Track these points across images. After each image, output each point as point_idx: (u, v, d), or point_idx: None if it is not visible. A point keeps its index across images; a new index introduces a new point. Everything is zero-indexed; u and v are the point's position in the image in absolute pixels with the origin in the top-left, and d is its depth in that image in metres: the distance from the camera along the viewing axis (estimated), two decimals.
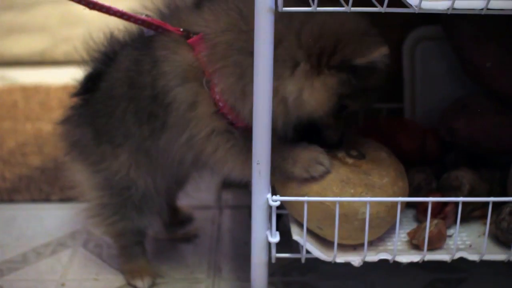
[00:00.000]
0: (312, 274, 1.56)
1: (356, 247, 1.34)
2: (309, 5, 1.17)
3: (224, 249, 1.68)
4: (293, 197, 1.27)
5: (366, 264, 1.46)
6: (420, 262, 1.31)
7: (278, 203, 1.25)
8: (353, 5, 1.15)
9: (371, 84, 1.28)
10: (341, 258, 1.30)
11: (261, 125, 1.21)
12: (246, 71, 1.25)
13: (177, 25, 1.34)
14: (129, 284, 1.54)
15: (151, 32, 1.36)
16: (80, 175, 1.53)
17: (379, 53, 1.23)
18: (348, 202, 1.26)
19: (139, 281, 1.53)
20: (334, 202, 1.24)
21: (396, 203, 1.27)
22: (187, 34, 1.32)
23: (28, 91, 2.68)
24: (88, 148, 1.48)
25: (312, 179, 1.28)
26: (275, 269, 1.45)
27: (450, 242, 1.37)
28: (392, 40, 1.63)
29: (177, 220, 1.75)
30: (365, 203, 1.25)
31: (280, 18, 1.19)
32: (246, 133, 1.29)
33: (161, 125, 1.36)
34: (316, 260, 1.51)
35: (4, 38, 3.33)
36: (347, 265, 1.49)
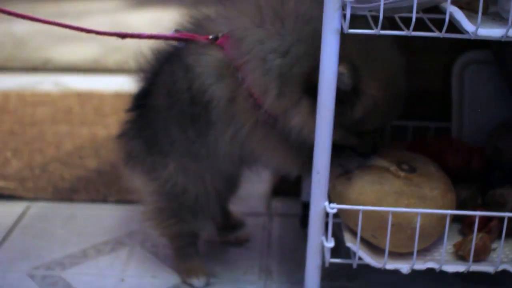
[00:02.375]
0: (358, 281, 1.64)
1: (404, 255, 1.41)
2: (371, 28, 1.25)
3: (274, 254, 1.76)
4: (350, 206, 1.35)
5: (410, 275, 1.54)
6: (465, 272, 1.38)
7: (335, 210, 1.33)
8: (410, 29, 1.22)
9: (365, 109, 1.32)
10: (391, 265, 1.38)
11: (322, 138, 1.29)
12: (271, 70, 1.33)
13: (203, 34, 1.43)
14: (185, 282, 1.62)
15: (183, 44, 1.46)
16: (137, 182, 1.62)
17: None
18: (403, 212, 1.33)
19: (195, 280, 1.61)
20: (389, 212, 1.32)
21: (445, 214, 1.35)
22: (215, 38, 1.40)
23: (83, 97, 2.79)
24: (140, 159, 1.58)
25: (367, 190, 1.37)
26: (324, 274, 1.50)
27: (493, 255, 1.44)
28: (441, 62, 1.74)
29: (229, 224, 1.84)
30: (417, 213, 1.33)
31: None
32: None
33: (206, 124, 1.45)
34: (363, 268, 1.59)
35: (57, 46, 3.44)
36: (393, 274, 1.57)
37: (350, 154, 1.43)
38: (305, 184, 1.80)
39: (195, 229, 1.63)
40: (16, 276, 1.64)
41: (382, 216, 1.34)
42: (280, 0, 1.37)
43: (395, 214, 1.33)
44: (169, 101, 1.49)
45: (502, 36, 1.21)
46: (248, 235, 1.83)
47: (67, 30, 3.41)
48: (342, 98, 1.29)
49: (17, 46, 3.45)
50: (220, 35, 1.40)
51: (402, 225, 1.34)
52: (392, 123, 1.56)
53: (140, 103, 1.58)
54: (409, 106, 1.77)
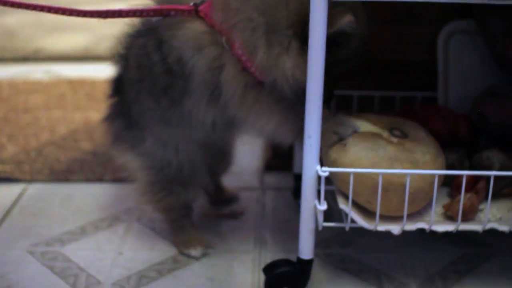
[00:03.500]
0: (351, 247, 1.68)
1: (395, 218, 1.45)
2: None
3: (268, 225, 1.80)
4: (341, 169, 1.39)
5: (401, 239, 1.60)
6: (454, 231, 1.42)
7: (327, 173, 1.36)
8: None
9: (350, 49, 1.40)
10: (382, 227, 1.42)
11: (313, 101, 1.32)
12: (257, 27, 1.36)
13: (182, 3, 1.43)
14: (182, 253, 1.66)
15: (157, 20, 1.45)
16: (124, 160, 1.66)
17: (345, 21, 1.32)
18: (398, 176, 1.37)
19: (192, 250, 1.65)
20: (385, 178, 1.36)
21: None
22: (196, 6, 1.41)
23: (75, 84, 2.82)
24: (123, 137, 1.62)
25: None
26: (318, 242, 1.54)
27: (481, 216, 1.48)
28: (427, 33, 1.78)
29: (223, 198, 1.88)
30: (413, 178, 1.37)
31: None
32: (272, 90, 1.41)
33: (181, 93, 1.47)
34: (355, 234, 1.65)
35: (48, 36, 3.48)
36: (384, 239, 1.63)
37: (343, 121, 1.46)
38: (297, 156, 1.85)
39: (186, 200, 1.67)
40: (16, 253, 1.67)
41: (376, 181, 1.37)
42: None
43: (389, 178, 1.37)
44: (140, 73, 1.51)
45: None
46: (242, 208, 1.87)
47: (57, 21, 3.43)
48: (337, 39, 1.35)
49: (8, 37, 3.48)
50: (199, 2, 1.41)
51: (396, 189, 1.38)
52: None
53: (117, 86, 1.62)
54: (396, 77, 1.83)
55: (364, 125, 1.49)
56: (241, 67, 1.40)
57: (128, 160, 1.65)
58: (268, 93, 1.42)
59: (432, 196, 1.43)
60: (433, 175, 1.40)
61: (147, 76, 1.51)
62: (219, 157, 1.78)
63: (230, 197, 1.90)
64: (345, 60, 1.42)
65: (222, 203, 1.88)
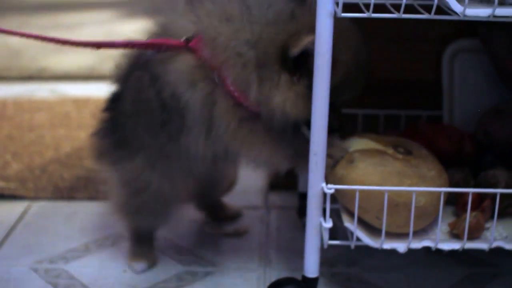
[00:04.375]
0: (357, 267, 1.67)
1: (401, 236, 1.44)
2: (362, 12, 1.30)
3: (273, 244, 1.79)
4: (346, 186, 1.39)
5: (407, 259, 1.59)
6: (460, 250, 1.41)
7: (332, 190, 1.36)
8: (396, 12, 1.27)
9: (339, 75, 1.37)
10: (388, 245, 1.41)
11: (319, 120, 1.32)
12: (248, 62, 1.37)
13: (172, 38, 1.42)
14: (128, 264, 1.68)
15: (151, 54, 1.44)
16: (104, 174, 1.66)
17: (307, 41, 1.32)
18: (407, 192, 1.36)
19: (135, 264, 1.67)
20: (395, 193, 1.36)
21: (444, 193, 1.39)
22: (187, 41, 1.40)
23: (79, 103, 2.83)
24: (108, 153, 1.60)
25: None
26: (323, 261, 1.52)
27: (487, 234, 1.47)
28: (432, 52, 1.78)
29: (225, 216, 1.88)
30: (422, 192, 1.38)
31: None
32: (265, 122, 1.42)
33: (177, 129, 1.46)
34: (361, 254, 1.64)
35: (53, 55, 3.49)
36: (389, 259, 1.63)
37: (333, 143, 1.46)
38: (301, 176, 1.84)
39: (154, 226, 1.68)
40: (20, 270, 1.67)
41: (388, 196, 1.37)
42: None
43: (399, 194, 1.36)
44: (136, 107, 1.50)
45: (489, 16, 1.25)
46: (246, 227, 1.87)
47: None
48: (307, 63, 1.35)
49: (13, 56, 3.50)
50: (190, 36, 1.41)
51: (407, 204, 1.38)
52: (355, 97, 1.54)
53: (112, 106, 1.60)
54: (401, 95, 1.83)
55: (367, 143, 1.49)
56: (233, 102, 1.40)
57: (107, 174, 1.64)
58: (262, 125, 1.42)
59: (439, 211, 1.42)
60: (441, 186, 1.41)
61: (143, 110, 1.49)
62: (217, 180, 1.79)
63: (233, 215, 1.90)
64: (339, 87, 1.39)
65: (225, 220, 1.88)
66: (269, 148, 1.46)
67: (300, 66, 1.36)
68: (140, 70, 1.48)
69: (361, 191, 1.37)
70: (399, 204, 1.37)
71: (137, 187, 1.57)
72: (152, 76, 1.44)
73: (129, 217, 1.66)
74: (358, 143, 1.49)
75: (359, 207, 1.39)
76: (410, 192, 1.37)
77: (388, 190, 1.36)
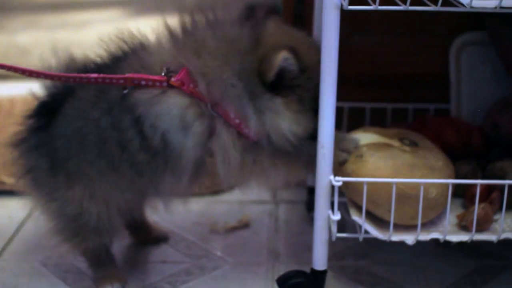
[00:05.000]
0: (365, 260, 1.68)
1: (409, 228, 1.44)
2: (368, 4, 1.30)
3: (281, 238, 1.80)
4: (354, 178, 1.39)
5: (415, 252, 1.59)
6: (469, 241, 1.41)
7: (340, 183, 1.36)
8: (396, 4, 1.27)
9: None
10: (396, 237, 1.41)
11: (326, 112, 1.33)
12: (241, 94, 1.35)
13: (140, 65, 1.37)
14: None
15: (129, 89, 1.36)
16: (36, 201, 1.56)
17: (279, 59, 1.32)
18: (419, 184, 1.36)
19: (108, 286, 1.56)
20: (407, 185, 1.36)
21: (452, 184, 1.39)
22: (169, 76, 1.34)
23: None
24: (42, 178, 1.49)
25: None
26: (331, 254, 1.54)
27: (496, 226, 1.47)
28: (439, 46, 1.78)
29: (151, 237, 1.78)
30: (433, 183, 1.38)
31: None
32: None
33: (158, 171, 1.40)
34: (369, 247, 1.64)
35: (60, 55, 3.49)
36: (398, 252, 1.62)
37: (344, 137, 1.46)
38: None
39: (101, 243, 1.55)
40: (30, 265, 1.68)
41: (401, 189, 1.37)
42: (211, 28, 1.39)
43: (412, 186, 1.37)
44: (104, 146, 1.40)
45: (496, 7, 1.25)
46: (248, 217, 1.86)
47: (69, 39, 3.45)
48: (299, 82, 1.36)
49: (22, 54, 3.50)
50: (170, 71, 1.35)
51: (418, 196, 1.38)
52: None
53: (47, 113, 1.47)
54: (409, 89, 1.83)
55: (372, 137, 1.49)
56: (235, 132, 1.37)
57: (39, 202, 1.55)
58: (266, 150, 1.40)
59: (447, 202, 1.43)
60: (449, 177, 1.42)
61: (112, 149, 1.40)
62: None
63: (158, 237, 1.79)
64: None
65: (150, 242, 1.78)
66: (283, 170, 1.43)
67: (285, 84, 1.35)
68: (110, 106, 1.39)
69: (373, 186, 1.37)
70: (411, 196, 1.38)
71: (76, 213, 1.48)
72: (134, 118, 1.36)
73: (74, 241, 1.54)
74: (363, 137, 1.50)
75: (371, 202, 1.39)
76: (422, 184, 1.37)
77: (397, 182, 1.36)
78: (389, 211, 1.40)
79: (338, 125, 1.40)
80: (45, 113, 1.48)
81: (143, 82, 1.35)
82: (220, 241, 1.77)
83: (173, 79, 1.34)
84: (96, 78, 1.36)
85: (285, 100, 1.36)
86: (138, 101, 1.35)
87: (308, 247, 1.51)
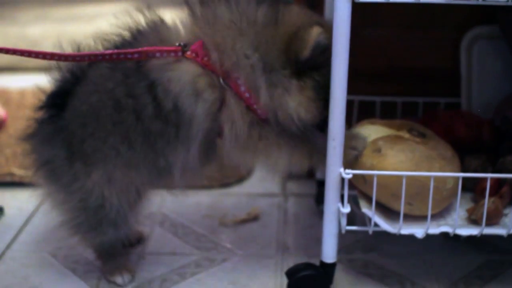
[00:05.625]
0: (374, 253, 1.68)
1: (418, 221, 1.44)
2: None
3: (290, 230, 1.80)
4: (365, 171, 1.39)
5: (424, 245, 1.59)
6: (478, 235, 1.41)
7: (350, 175, 1.36)
8: None
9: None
10: (406, 230, 1.41)
11: (337, 105, 1.32)
12: (255, 65, 1.35)
13: (161, 41, 1.38)
14: (108, 281, 1.58)
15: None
16: (55, 196, 1.53)
17: (314, 34, 1.32)
18: (439, 175, 1.38)
19: (118, 277, 1.56)
20: (428, 177, 1.36)
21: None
22: (184, 47, 1.36)
23: None
24: (60, 168, 1.47)
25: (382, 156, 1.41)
26: (340, 247, 1.54)
27: (506, 220, 1.47)
28: (450, 39, 1.78)
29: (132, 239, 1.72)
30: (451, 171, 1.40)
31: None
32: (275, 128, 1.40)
33: (169, 142, 1.40)
34: (378, 240, 1.64)
35: (70, 47, 3.51)
36: (407, 245, 1.62)
37: (354, 135, 1.46)
38: None
39: (117, 238, 1.53)
40: (39, 256, 1.69)
41: (422, 182, 1.38)
42: (228, 2, 1.39)
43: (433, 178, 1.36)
44: (118, 116, 1.40)
45: (508, 0, 1.25)
46: (257, 209, 1.87)
47: (79, 32, 3.45)
48: (321, 62, 1.34)
49: (32, 47, 3.49)
50: (185, 42, 1.36)
51: (439, 187, 1.39)
52: None
53: (59, 102, 1.47)
54: (419, 83, 1.83)
55: (381, 129, 1.49)
56: (244, 105, 1.38)
57: (58, 197, 1.52)
58: (272, 129, 1.40)
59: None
60: (458, 167, 1.43)
61: (127, 119, 1.40)
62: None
63: (139, 237, 1.76)
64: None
65: (133, 244, 1.73)
66: (286, 151, 1.43)
67: (318, 60, 1.35)
68: (123, 74, 1.40)
69: (394, 179, 1.38)
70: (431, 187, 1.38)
71: (95, 205, 1.48)
72: (149, 83, 1.37)
73: (88, 236, 1.54)
74: (372, 130, 1.49)
75: (390, 195, 1.40)
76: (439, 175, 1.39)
77: (412, 175, 1.36)
78: (409, 203, 1.41)
79: (348, 119, 1.39)
80: (56, 102, 1.47)
81: (157, 54, 1.36)
82: (229, 234, 1.78)
83: (188, 52, 1.36)
84: (110, 55, 1.37)
85: (301, 84, 1.36)
86: (152, 67, 1.36)
87: (317, 240, 1.51)
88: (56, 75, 1.49)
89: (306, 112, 1.37)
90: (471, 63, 1.79)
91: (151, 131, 1.40)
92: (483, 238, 1.43)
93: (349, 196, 1.40)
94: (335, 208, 1.40)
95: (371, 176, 1.39)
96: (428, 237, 1.42)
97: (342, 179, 1.37)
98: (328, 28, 1.32)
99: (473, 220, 1.46)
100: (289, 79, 1.36)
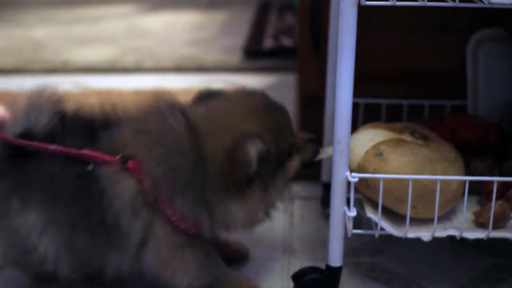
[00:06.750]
0: (380, 256, 1.67)
1: (425, 224, 1.44)
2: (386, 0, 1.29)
3: (297, 233, 1.79)
4: (371, 174, 1.39)
5: (431, 249, 1.59)
6: (485, 239, 1.41)
7: (356, 179, 1.36)
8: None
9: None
10: (412, 234, 1.41)
11: (343, 108, 1.32)
12: (201, 194, 1.34)
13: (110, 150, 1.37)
14: None
15: (91, 167, 1.36)
16: None
17: (250, 150, 1.32)
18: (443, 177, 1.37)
19: None
20: (431, 180, 1.37)
21: None
22: (125, 160, 1.35)
23: (102, 95, 2.83)
24: None
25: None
26: (346, 251, 1.52)
27: None
28: (456, 42, 1.77)
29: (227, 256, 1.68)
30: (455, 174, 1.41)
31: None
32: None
33: (106, 241, 1.38)
34: (384, 243, 1.64)
35: (76, 48, 3.52)
36: (414, 248, 1.62)
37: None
38: (325, 166, 1.84)
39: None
40: None
41: (425, 184, 1.38)
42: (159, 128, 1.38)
43: (435, 181, 1.36)
44: (72, 196, 1.37)
45: None
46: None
47: (84, 34, 3.42)
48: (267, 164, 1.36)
49: (37, 49, 3.52)
50: (126, 155, 1.36)
51: (443, 190, 1.38)
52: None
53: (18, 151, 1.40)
54: (425, 85, 1.82)
55: (383, 133, 1.49)
56: (171, 227, 1.37)
57: None
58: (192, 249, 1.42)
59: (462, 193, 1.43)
60: (462, 168, 1.43)
61: (79, 208, 1.38)
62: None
63: (243, 254, 1.72)
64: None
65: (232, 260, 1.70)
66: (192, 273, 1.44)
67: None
68: (77, 169, 1.37)
69: (397, 183, 1.38)
70: (435, 190, 1.37)
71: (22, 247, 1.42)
72: (99, 189, 1.35)
73: None
74: (375, 134, 1.50)
75: (394, 199, 1.39)
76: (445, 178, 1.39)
77: (417, 178, 1.36)
78: (414, 206, 1.40)
79: (354, 122, 1.40)
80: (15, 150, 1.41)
81: (98, 161, 1.36)
82: (235, 237, 1.77)
83: (128, 164, 1.35)
84: (53, 150, 1.37)
85: (243, 198, 1.37)
86: (103, 174, 1.35)
87: (323, 243, 1.50)
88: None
89: (254, 216, 1.42)
90: (477, 66, 1.78)
91: (94, 231, 1.38)
92: (490, 241, 1.42)
93: (355, 200, 1.40)
94: (341, 212, 1.40)
95: (374, 180, 1.39)
96: (434, 240, 1.42)
97: (348, 183, 1.37)
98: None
99: (480, 224, 1.46)
100: (244, 192, 1.36)
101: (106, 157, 1.36)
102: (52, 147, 1.37)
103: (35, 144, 1.38)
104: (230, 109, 1.41)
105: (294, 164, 1.44)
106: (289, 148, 1.42)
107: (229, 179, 1.34)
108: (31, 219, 1.38)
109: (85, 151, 1.36)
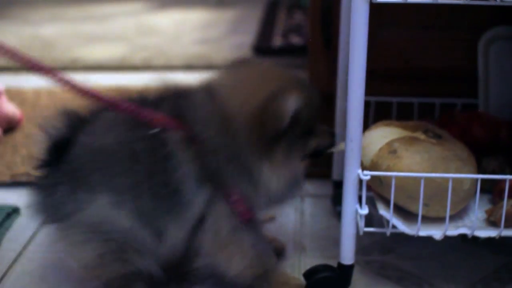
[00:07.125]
0: (391, 255, 1.67)
1: (436, 223, 1.44)
2: None
3: (307, 232, 1.79)
4: (383, 172, 1.39)
5: (442, 247, 1.58)
6: (497, 237, 1.41)
7: (368, 177, 1.36)
8: None
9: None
10: (424, 232, 1.41)
11: (354, 106, 1.32)
12: (243, 172, 1.36)
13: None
14: None
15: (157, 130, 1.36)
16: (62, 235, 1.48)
17: (289, 103, 1.33)
18: (455, 176, 1.37)
19: None
20: (444, 178, 1.37)
21: None
22: (193, 135, 1.35)
23: (112, 93, 2.83)
24: (62, 204, 1.42)
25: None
26: (358, 249, 1.52)
27: None
28: (467, 40, 1.77)
29: None
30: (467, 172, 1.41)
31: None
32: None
33: (167, 208, 1.38)
34: (396, 242, 1.64)
35: (85, 46, 3.52)
36: (425, 247, 1.62)
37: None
38: (336, 164, 1.84)
39: (146, 270, 1.44)
40: (56, 257, 1.68)
41: (438, 183, 1.38)
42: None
43: (448, 179, 1.36)
44: (130, 162, 1.37)
45: None
46: (274, 211, 1.84)
47: (93, 32, 3.44)
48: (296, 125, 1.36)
49: (47, 47, 3.53)
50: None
51: (456, 189, 1.38)
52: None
53: (58, 156, 1.42)
54: (436, 83, 1.82)
55: (395, 131, 1.49)
56: (230, 208, 1.37)
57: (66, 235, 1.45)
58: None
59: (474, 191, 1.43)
60: (475, 168, 1.43)
61: (139, 172, 1.37)
62: None
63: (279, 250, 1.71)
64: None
65: None
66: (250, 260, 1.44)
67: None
68: (142, 134, 1.36)
69: (410, 181, 1.38)
70: (448, 189, 1.37)
71: (108, 230, 1.41)
72: (167, 153, 1.35)
73: (111, 269, 1.44)
74: (388, 132, 1.49)
75: (407, 197, 1.39)
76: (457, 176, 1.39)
77: (425, 176, 1.36)
78: (426, 205, 1.40)
79: (365, 120, 1.39)
80: (53, 160, 1.43)
81: (165, 127, 1.36)
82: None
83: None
84: (127, 107, 1.37)
85: (271, 159, 1.37)
86: (170, 139, 1.36)
87: (334, 241, 1.50)
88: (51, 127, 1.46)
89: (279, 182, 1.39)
90: (489, 64, 1.78)
91: (155, 195, 1.37)
92: (501, 240, 1.42)
93: (367, 198, 1.40)
94: (353, 210, 1.40)
95: (387, 177, 1.39)
96: (446, 239, 1.42)
97: (360, 181, 1.37)
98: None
99: (492, 222, 1.46)
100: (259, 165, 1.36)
101: (174, 124, 1.35)
102: (125, 104, 1.37)
103: (109, 98, 1.39)
104: (267, 69, 1.44)
105: (312, 143, 1.43)
106: (313, 125, 1.41)
107: (259, 134, 1.33)
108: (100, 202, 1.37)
109: (159, 117, 1.35)
